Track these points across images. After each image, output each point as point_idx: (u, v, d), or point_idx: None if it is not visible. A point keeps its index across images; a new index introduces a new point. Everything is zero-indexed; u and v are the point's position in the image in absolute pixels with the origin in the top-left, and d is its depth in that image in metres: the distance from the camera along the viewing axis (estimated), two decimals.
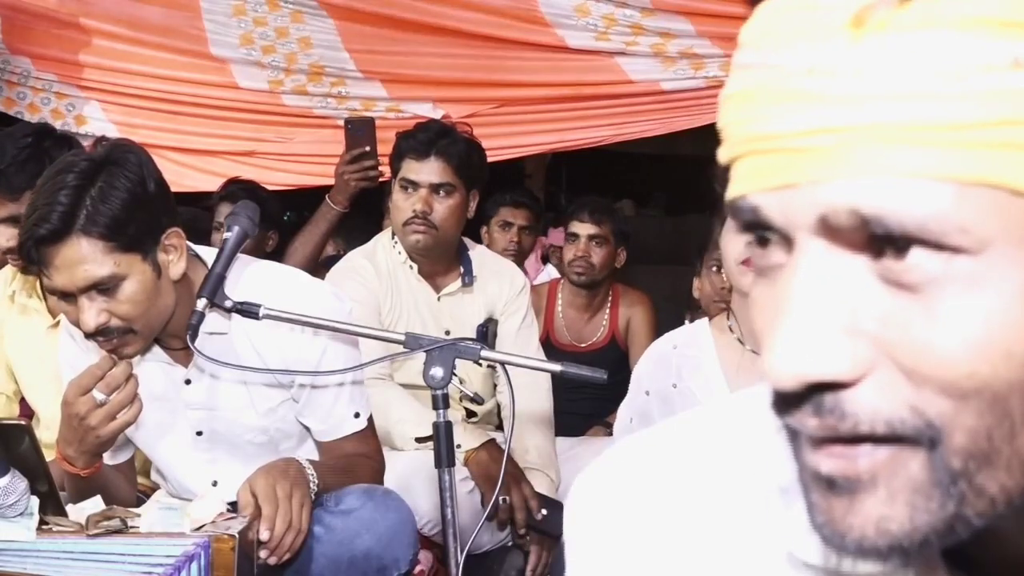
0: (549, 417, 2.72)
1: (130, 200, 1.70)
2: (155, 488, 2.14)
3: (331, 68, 3.57)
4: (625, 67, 3.35)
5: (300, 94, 3.66)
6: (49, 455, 1.78)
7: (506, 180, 4.39)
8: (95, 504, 1.68)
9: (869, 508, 0.47)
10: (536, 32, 3.33)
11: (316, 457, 1.97)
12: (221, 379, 1.91)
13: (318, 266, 3.10)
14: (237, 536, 1.60)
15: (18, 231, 2.03)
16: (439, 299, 2.68)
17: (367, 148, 3.07)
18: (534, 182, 6.15)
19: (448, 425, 1.80)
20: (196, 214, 3.46)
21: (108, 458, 1.92)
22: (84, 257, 1.68)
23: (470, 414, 2.74)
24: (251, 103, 3.71)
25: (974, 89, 0.43)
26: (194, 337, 1.76)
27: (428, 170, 2.60)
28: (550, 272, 4.24)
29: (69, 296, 1.72)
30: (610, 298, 3.59)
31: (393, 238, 2.70)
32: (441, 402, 1.79)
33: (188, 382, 1.92)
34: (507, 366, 1.85)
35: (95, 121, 3.75)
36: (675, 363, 2.11)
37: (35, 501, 1.62)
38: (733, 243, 1.88)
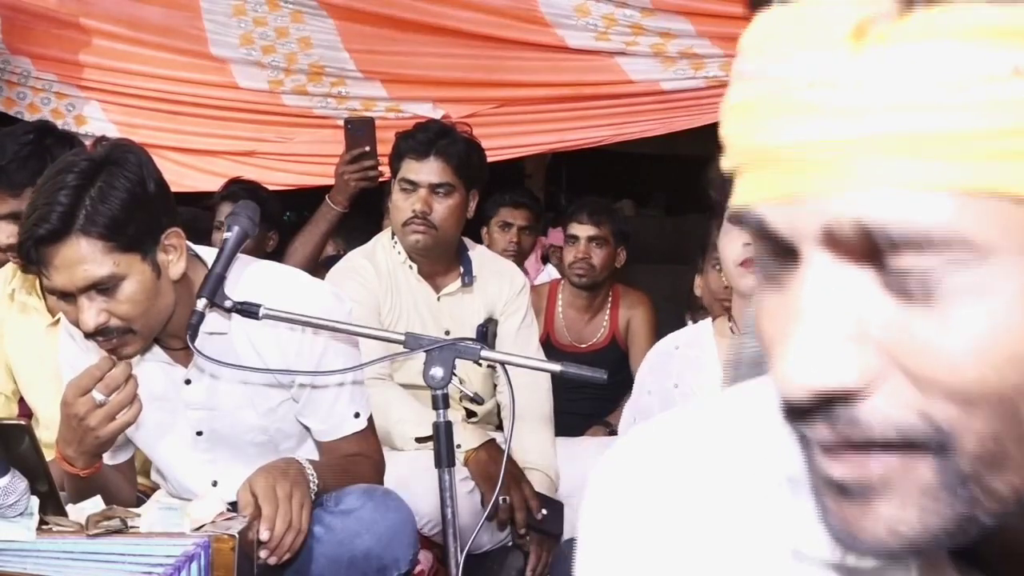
0: (549, 417, 2.72)
1: (130, 200, 1.70)
2: (155, 488, 2.14)
3: (331, 68, 3.57)
4: (625, 67, 3.35)
5: (300, 94, 3.66)
6: (49, 455, 1.78)
7: (506, 180, 4.39)
8: (95, 504, 1.68)
9: (882, 512, 0.48)
10: (536, 32, 3.33)
11: (316, 457, 1.97)
12: (221, 379, 1.91)
13: (318, 266, 3.10)
14: (237, 536, 1.60)
15: (18, 229, 2.04)
16: (439, 299, 2.68)
17: (367, 148, 3.07)
18: (534, 182, 6.15)
19: (448, 425, 1.80)
20: (196, 214, 3.46)
21: (108, 458, 1.92)
22: (83, 257, 1.68)
23: (470, 414, 2.74)
24: (251, 103, 3.71)
25: (976, 99, 0.43)
26: (194, 337, 1.76)
27: (428, 170, 2.60)
28: (550, 272, 4.24)
29: (69, 296, 1.72)
30: (610, 298, 3.59)
31: (393, 238, 2.70)
32: (441, 402, 1.79)
33: (188, 382, 1.92)
34: (507, 366, 1.85)
35: (95, 121, 3.75)
36: (677, 363, 2.11)
37: (35, 501, 1.61)
38: (731, 245, 1.88)
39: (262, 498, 1.72)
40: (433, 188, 2.60)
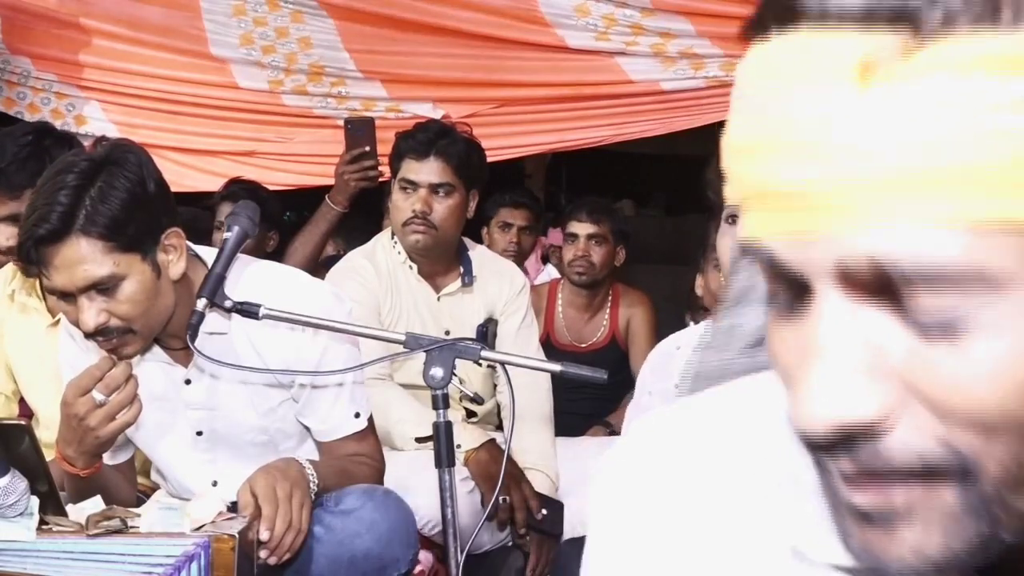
0: (549, 417, 2.72)
1: (130, 200, 1.70)
2: (155, 488, 2.14)
3: (331, 68, 3.57)
4: (625, 67, 3.35)
5: (300, 94, 3.66)
6: (49, 455, 1.78)
7: (506, 180, 4.39)
8: (95, 504, 1.68)
9: (906, 537, 0.48)
10: (536, 32, 3.33)
11: (316, 457, 1.97)
12: (221, 379, 1.91)
13: (318, 266, 3.10)
14: (237, 536, 1.60)
15: (18, 230, 2.04)
16: (439, 299, 2.68)
17: (367, 148, 3.07)
18: (534, 182, 6.15)
19: (448, 425, 1.80)
20: (196, 214, 3.46)
21: (108, 458, 1.92)
22: (83, 257, 1.68)
23: (470, 414, 2.74)
24: (251, 103, 3.71)
25: (982, 132, 0.43)
26: (194, 337, 1.76)
27: (428, 170, 2.60)
28: (550, 272, 4.24)
29: (69, 296, 1.72)
30: (610, 298, 3.59)
31: (393, 238, 2.70)
32: (441, 402, 1.79)
33: (188, 382, 1.92)
34: (507, 366, 1.85)
35: (95, 121, 3.75)
36: (678, 364, 2.11)
37: (35, 501, 1.61)
38: (730, 247, 1.88)
39: (262, 498, 1.72)
40: (433, 188, 2.60)
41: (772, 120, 0.47)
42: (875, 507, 0.48)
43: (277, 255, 3.23)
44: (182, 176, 3.69)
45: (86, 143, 2.27)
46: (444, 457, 1.79)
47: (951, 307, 0.45)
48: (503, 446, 2.27)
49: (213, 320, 1.81)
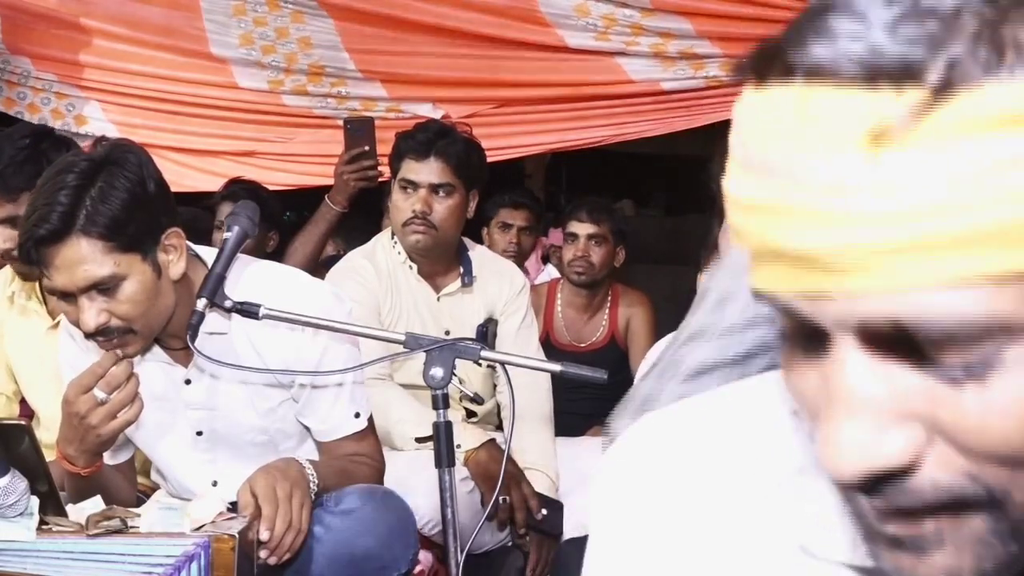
0: (549, 417, 2.72)
1: (130, 200, 1.70)
2: (155, 488, 2.14)
3: (331, 68, 3.57)
4: (625, 67, 3.35)
5: (300, 94, 3.66)
6: (49, 455, 1.78)
7: (506, 180, 4.38)
8: (95, 504, 1.67)
9: (938, 561, 0.49)
10: (536, 32, 3.33)
11: (316, 457, 1.97)
12: (221, 379, 1.91)
13: (318, 266, 3.10)
14: (237, 536, 1.60)
15: (15, 232, 2.04)
16: (439, 299, 2.68)
17: (366, 148, 3.07)
18: (534, 182, 6.15)
19: (448, 425, 1.80)
20: (196, 214, 3.46)
21: (108, 458, 1.92)
22: (84, 257, 1.68)
23: (470, 414, 2.74)
24: (251, 103, 3.71)
25: (996, 191, 0.43)
26: (194, 337, 1.76)
27: (428, 170, 2.60)
28: (550, 272, 4.24)
29: (69, 296, 1.72)
30: (610, 298, 3.59)
31: (393, 238, 2.70)
32: (441, 402, 1.79)
33: (188, 382, 1.92)
34: (507, 366, 1.85)
35: (95, 121, 3.75)
36: None
37: (35, 501, 1.61)
38: (732, 243, 1.88)
39: (262, 498, 1.72)
40: (433, 188, 2.60)
41: (779, 183, 0.46)
42: (906, 535, 0.49)
43: (277, 255, 3.23)
44: (182, 176, 3.69)
45: (86, 143, 2.27)
46: (444, 457, 1.79)
47: (974, 357, 0.45)
48: (503, 446, 2.27)
49: (213, 320, 1.81)
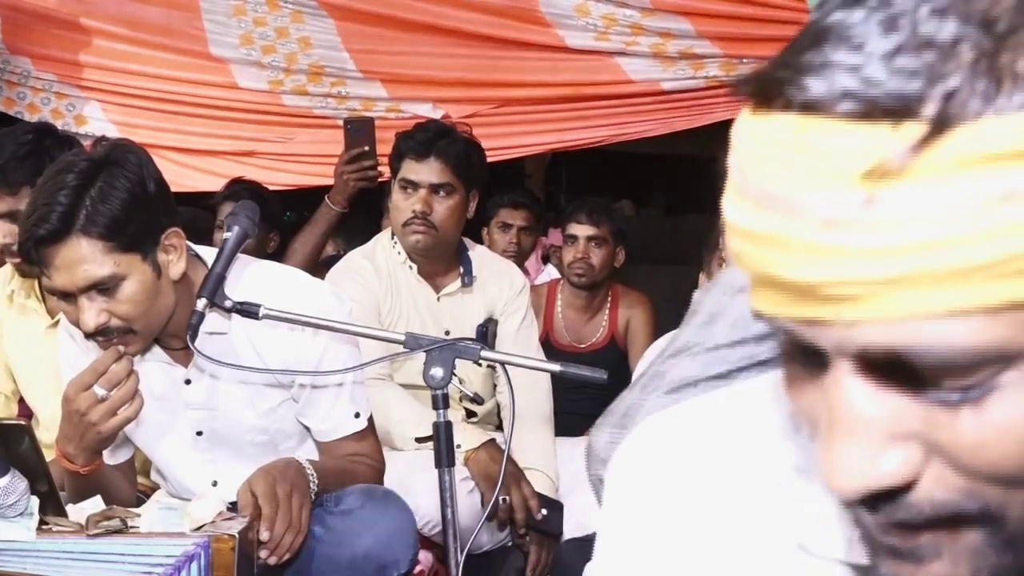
0: (549, 417, 2.72)
1: (130, 200, 1.70)
2: (155, 488, 2.14)
3: (331, 68, 3.57)
4: (625, 67, 3.35)
5: (300, 94, 3.67)
6: (49, 455, 1.78)
7: (506, 180, 4.39)
8: (95, 504, 1.67)
9: (935, 570, 0.50)
10: (536, 32, 3.33)
11: (316, 457, 1.97)
12: (221, 379, 1.91)
13: (318, 266, 3.10)
14: (237, 536, 1.60)
15: (15, 228, 2.04)
16: (439, 299, 2.68)
17: (366, 148, 3.07)
18: (534, 182, 6.15)
19: (448, 425, 1.80)
20: (196, 214, 3.46)
21: (108, 458, 1.92)
22: (84, 257, 1.68)
23: (470, 414, 2.74)
24: (251, 103, 3.71)
25: (994, 226, 0.43)
26: (194, 337, 1.76)
27: (428, 170, 2.60)
28: (550, 272, 4.24)
29: (69, 296, 1.72)
30: (610, 299, 3.59)
31: (393, 238, 2.70)
32: (441, 402, 1.79)
33: (188, 382, 1.92)
34: (507, 366, 1.85)
35: (95, 121, 3.75)
36: None
37: (35, 501, 1.61)
38: None
39: (262, 498, 1.72)
40: (433, 188, 2.60)
41: (777, 216, 0.46)
42: (904, 546, 0.50)
43: (277, 255, 3.23)
44: (182, 176, 3.69)
45: (86, 143, 2.27)
46: (444, 457, 1.79)
47: (970, 383, 0.46)
48: (503, 446, 2.27)
49: (213, 320, 1.81)
